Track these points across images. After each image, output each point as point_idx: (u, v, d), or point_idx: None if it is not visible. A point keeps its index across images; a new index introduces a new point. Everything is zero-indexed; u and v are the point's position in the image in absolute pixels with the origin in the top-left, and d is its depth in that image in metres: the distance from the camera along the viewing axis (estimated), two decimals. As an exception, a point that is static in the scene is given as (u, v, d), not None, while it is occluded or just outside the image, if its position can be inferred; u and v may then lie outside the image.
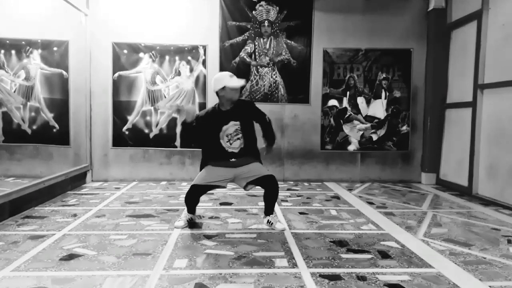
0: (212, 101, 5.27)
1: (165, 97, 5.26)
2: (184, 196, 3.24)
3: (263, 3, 5.25)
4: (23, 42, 4.61)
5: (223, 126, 3.09)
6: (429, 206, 4.14)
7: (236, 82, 3.04)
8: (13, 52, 4.56)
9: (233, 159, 3.12)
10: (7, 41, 4.56)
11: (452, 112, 5.21)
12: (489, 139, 4.42)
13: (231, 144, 3.11)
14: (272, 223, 3.20)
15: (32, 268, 2.33)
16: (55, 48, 4.78)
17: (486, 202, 4.29)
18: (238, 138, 3.11)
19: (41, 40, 4.69)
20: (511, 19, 4.10)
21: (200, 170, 3.25)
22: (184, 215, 3.29)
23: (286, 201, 4.26)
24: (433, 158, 5.44)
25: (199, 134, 3.14)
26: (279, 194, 4.51)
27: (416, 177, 5.57)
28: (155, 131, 5.29)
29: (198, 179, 3.14)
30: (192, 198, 3.21)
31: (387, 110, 5.46)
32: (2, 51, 4.53)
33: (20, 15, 4.52)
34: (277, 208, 3.89)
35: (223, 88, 3.02)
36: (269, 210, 3.24)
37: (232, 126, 3.10)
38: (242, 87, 3.19)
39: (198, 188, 3.13)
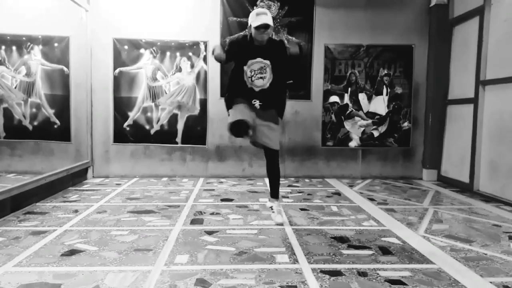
0: (213, 97, 5.28)
1: (166, 93, 5.25)
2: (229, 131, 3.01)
3: (264, -2, 5.25)
4: (24, 38, 4.60)
5: (249, 60, 3.00)
6: (430, 202, 4.14)
7: (258, 21, 2.90)
8: (14, 48, 4.56)
9: (255, 102, 3.03)
10: (8, 37, 4.56)
11: (453, 109, 5.20)
12: (491, 135, 4.41)
13: (252, 80, 3.02)
14: (273, 211, 3.20)
15: (33, 263, 2.34)
16: (56, 44, 4.78)
17: (487, 198, 4.29)
18: (262, 78, 3.02)
19: (42, 36, 4.69)
20: (513, 15, 4.09)
21: (226, 104, 3.14)
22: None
23: (287, 197, 4.26)
24: (435, 155, 5.44)
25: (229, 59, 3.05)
26: (280, 190, 4.54)
27: (417, 174, 5.57)
28: (156, 127, 5.29)
29: (233, 115, 2.98)
30: (238, 131, 2.97)
31: (388, 106, 5.45)
32: (3, 47, 4.53)
33: (20, 11, 4.52)
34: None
35: (250, 25, 2.99)
36: (273, 192, 3.23)
37: (258, 63, 3.00)
38: (267, 28, 2.93)
39: (238, 125, 2.91)
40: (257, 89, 3.02)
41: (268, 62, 3.00)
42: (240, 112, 2.96)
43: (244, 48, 3.04)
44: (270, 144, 3.07)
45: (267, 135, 3.05)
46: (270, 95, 3.06)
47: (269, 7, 5.25)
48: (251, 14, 3.00)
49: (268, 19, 2.92)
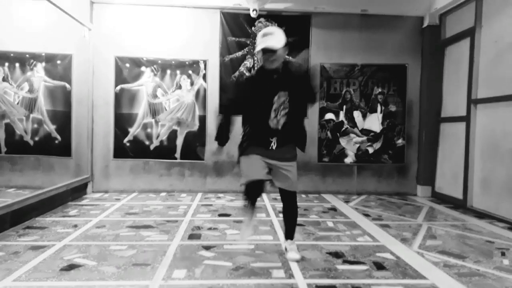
0: (211, 114, 5.36)
1: (166, 109, 5.35)
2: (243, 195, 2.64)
3: (262, 19, 5.39)
4: (27, 55, 4.71)
5: (275, 96, 2.51)
6: (424, 218, 4.19)
7: (262, 43, 2.44)
8: (17, 65, 4.66)
9: (272, 141, 2.58)
10: (12, 54, 4.66)
11: (446, 126, 5.30)
12: (483, 153, 4.49)
13: (278, 119, 2.55)
14: (287, 250, 2.83)
15: (33, 278, 2.36)
16: (58, 62, 4.88)
17: (481, 215, 4.35)
18: (286, 114, 2.55)
19: (45, 53, 4.80)
20: (503, 36, 4.22)
21: (240, 153, 2.69)
22: (246, 220, 2.69)
23: (284, 213, 4.30)
24: (428, 171, 5.52)
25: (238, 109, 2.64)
26: (277, 205, 4.60)
27: (412, 190, 5.64)
28: (155, 143, 5.37)
29: (245, 175, 2.59)
30: (253, 193, 2.59)
31: (382, 123, 5.56)
32: (6, 64, 4.63)
33: (24, 29, 4.63)
34: (274, 219, 3.94)
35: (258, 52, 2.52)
36: (288, 233, 2.86)
37: (280, 97, 2.53)
38: (273, 52, 2.45)
39: (253, 186, 2.54)
40: (280, 127, 2.57)
41: (287, 93, 2.53)
42: (252, 168, 2.57)
43: (260, 83, 2.56)
44: (288, 187, 2.69)
45: (284, 178, 2.66)
46: (289, 130, 2.61)
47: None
48: (258, 35, 2.54)
49: (273, 41, 2.43)
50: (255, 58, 5.41)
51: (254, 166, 2.57)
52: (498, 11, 4.32)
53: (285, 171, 2.64)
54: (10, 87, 4.65)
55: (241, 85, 2.67)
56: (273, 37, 2.45)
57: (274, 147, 2.60)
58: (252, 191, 2.56)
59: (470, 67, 4.72)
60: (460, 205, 4.78)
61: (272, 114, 2.54)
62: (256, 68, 2.60)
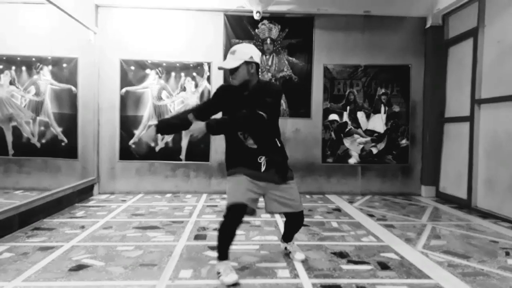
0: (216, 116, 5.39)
1: (171, 111, 5.39)
2: (218, 231, 2.42)
3: (265, 21, 5.43)
4: (33, 59, 4.77)
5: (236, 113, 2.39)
6: (429, 218, 4.20)
7: (223, 63, 2.46)
8: (23, 68, 4.72)
9: (262, 161, 2.45)
10: (18, 58, 4.72)
11: (450, 126, 5.31)
12: (487, 153, 4.50)
13: (245, 137, 2.46)
14: (290, 252, 2.84)
15: (42, 278, 2.41)
16: (64, 65, 4.94)
17: (485, 214, 4.35)
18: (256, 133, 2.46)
19: (51, 57, 4.86)
20: (506, 36, 4.23)
21: (228, 172, 2.54)
22: (224, 266, 2.41)
23: (288, 213, 4.32)
24: (433, 171, 5.52)
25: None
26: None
27: (416, 190, 5.65)
28: (160, 144, 5.41)
29: (233, 196, 2.42)
30: (232, 228, 2.39)
31: (386, 124, 5.57)
32: (13, 68, 4.69)
33: (31, 33, 4.69)
34: (279, 220, 3.96)
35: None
36: (289, 237, 2.87)
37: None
38: (231, 73, 2.43)
39: (237, 210, 2.38)
40: (255, 146, 2.46)
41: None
42: (239, 189, 2.42)
43: (233, 97, 2.49)
44: (292, 209, 2.57)
45: (285, 201, 2.54)
46: (267, 145, 2.48)
47: (270, 30, 5.45)
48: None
49: (229, 60, 2.40)
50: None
51: (242, 188, 2.42)
52: (501, 11, 4.33)
53: (281, 191, 2.52)
54: (17, 90, 4.71)
55: (218, 93, 2.54)
56: (232, 56, 2.40)
57: (263, 169, 2.46)
58: (235, 216, 2.38)
59: (473, 67, 4.73)
60: (465, 205, 4.78)
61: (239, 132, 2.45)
62: (228, 86, 2.55)
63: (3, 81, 4.67)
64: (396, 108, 5.57)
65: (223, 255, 2.44)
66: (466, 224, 3.96)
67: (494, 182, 4.35)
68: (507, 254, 3.00)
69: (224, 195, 5.33)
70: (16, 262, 2.67)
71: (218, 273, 2.40)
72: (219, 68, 2.49)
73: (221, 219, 2.41)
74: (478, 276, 2.54)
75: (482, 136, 4.59)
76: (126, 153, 5.38)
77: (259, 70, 2.63)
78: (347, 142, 5.58)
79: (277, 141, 2.54)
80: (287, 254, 2.89)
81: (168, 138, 5.41)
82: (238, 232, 2.50)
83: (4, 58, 4.69)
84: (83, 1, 4.98)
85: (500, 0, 4.36)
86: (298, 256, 2.78)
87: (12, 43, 4.72)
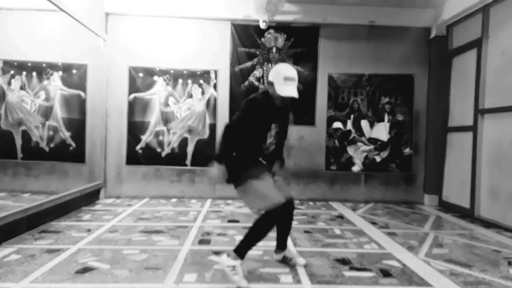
0: (221, 122, 5.45)
1: (177, 118, 5.46)
2: (254, 227, 2.52)
3: (271, 31, 5.51)
4: (44, 65, 4.86)
5: (273, 124, 2.60)
6: (431, 227, 4.21)
7: (287, 91, 2.50)
8: (34, 74, 4.81)
9: (260, 160, 2.64)
10: (29, 64, 4.82)
11: (453, 136, 5.32)
12: (490, 163, 4.50)
13: (269, 147, 2.66)
14: (291, 259, 2.82)
15: (49, 280, 2.44)
16: (74, 71, 5.02)
17: (488, 224, 4.35)
18: (274, 141, 2.69)
19: (62, 63, 4.94)
20: (510, 47, 4.26)
21: (237, 181, 2.57)
22: (239, 267, 2.49)
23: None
24: (436, 180, 5.53)
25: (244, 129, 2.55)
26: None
27: (419, 199, 5.65)
28: (167, 150, 5.47)
29: (270, 195, 2.46)
30: (271, 227, 2.52)
31: (390, 133, 5.61)
32: (24, 73, 4.78)
33: (42, 40, 4.79)
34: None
35: (271, 84, 2.58)
36: (284, 244, 2.85)
37: (275, 127, 2.65)
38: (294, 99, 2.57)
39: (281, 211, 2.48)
40: (268, 151, 2.67)
41: (277, 124, 2.66)
42: (273, 187, 2.54)
43: (266, 111, 2.57)
44: (289, 194, 2.70)
45: (283, 187, 2.70)
46: (274, 154, 2.74)
47: (275, 39, 5.52)
48: (276, 71, 2.57)
49: (295, 89, 2.53)
50: (264, 68, 5.52)
51: (274, 188, 2.51)
52: (505, 22, 4.36)
53: (279, 182, 2.70)
54: (27, 95, 4.79)
55: (252, 107, 2.55)
56: (294, 83, 2.54)
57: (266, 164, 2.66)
58: (274, 219, 2.49)
59: (477, 78, 4.75)
60: (467, 214, 4.79)
61: (268, 140, 2.60)
62: (262, 96, 2.62)
63: (13, 86, 4.76)
64: (400, 117, 5.60)
65: (244, 253, 2.52)
66: (468, 233, 3.96)
67: (497, 191, 4.36)
68: (510, 263, 3.01)
69: (229, 201, 5.37)
70: (24, 264, 2.71)
71: (233, 269, 2.44)
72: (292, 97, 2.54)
73: (263, 220, 2.48)
74: (480, 285, 2.55)
75: (486, 145, 4.60)
76: (132, 158, 5.44)
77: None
78: (350, 150, 5.61)
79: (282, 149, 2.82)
80: (285, 263, 2.84)
81: (175, 143, 5.47)
82: (241, 237, 2.59)
83: (16, 63, 4.78)
84: (93, 9, 5.08)
85: (504, 11, 4.40)
86: (300, 260, 2.81)
87: (23, 49, 4.81)
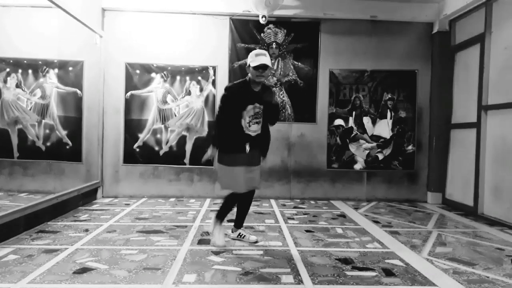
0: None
1: (175, 115, 5.40)
2: (224, 203, 3.17)
3: (271, 26, 5.44)
4: (40, 62, 4.79)
5: (248, 106, 2.99)
6: (434, 225, 4.16)
7: (257, 61, 2.91)
8: (30, 71, 4.74)
9: (247, 147, 3.02)
10: (25, 61, 4.75)
11: (457, 133, 5.27)
12: (494, 160, 4.46)
13: (249, 126, 3.02)
14: (244, 235, 3.34)
15: (47, 280, 2.41)
16: (70, 68, 4.96)
17: (492, 222, 4.31)
18: (257, 122, 3.06)
19: (57, 60, 4.88)
20: (513, 43, 4.20)
21: (219, 158, 3.08)
22: (218, 229, 3.15)
23: (293, 219, 4.31)
24: (439, 178, 5.48)
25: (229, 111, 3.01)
26: (285, 211, 4.62)
27: (422, 197, 5.60)
28: (165, 148, 5.42)
29: (234, 184, 3.02)
30: (234, 204, 3.22)
31: (392, 130, 5.55)
32: (20, 71, 4.71)
33: (37, 36, 4.72)
34: (283, 225, 3.95)
35: (248, 65, 2.98)
36: (241, 222, 3.38)
37: (255, 108, 3.02)
38: (265, 68, 2.94)
39: (238, 195, 3.09)
40: (253, 134, 3.05)
41: (261, 106, 3.06)
42: (240, 178, 2.99)
43: (243, 93, 3.01)
44: (255, 186, 3.17)
45: (253, 179, 3.11)
46: (260, 138, 3.13)
47: (275, 34, 5.46)
48: (250, 54, 3.01)
49: (267, 60, 2.94)
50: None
51: (240, 179, 2.99)
52: (508, 17, 4.31)
53: (253, 172, 3.10)
54: (23, 93, 4.73)
55: (227, 93, 3.03)
56: (266, 57, 2.95)
57: (247, 151, 3.03)
58: (237, 199, 3.13)
59: (480, 73, 4.70)
60: (471, 212, 4.74)
61: (247, 120, 3.00)
62: (238, 82, 3.11)
63: (9, 84, 4.70)
64: (403, 114, 5.54)
65: (223, 216, 3.17)
66: (472, 231, 3.93)
67: (501, 189, 4.31)
68: (514, 262, 2.97)
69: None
70: (21, 264, 2.68)
71: (211, 233, 3.11)
72: (263, 65, 2.92)
73: (227, 201, 3.16)
74: (483, 283, 2.52)
75: (489, 142, 4.55)
76: (130, 157, 5.39)
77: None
78: (352, 148, 5.55)
79: (268, 131, 3.26)
80: (239, 240, 3.35)
81: (173, 141, 5.41)
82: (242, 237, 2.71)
83: (11, 61, 4.72)
84: (90, 5, 5.02)
85: (507, 6, 4.35)
86: (252, 238, 3.32)
87: (19, 46, 4.75)
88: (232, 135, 3.02)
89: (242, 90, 3.02)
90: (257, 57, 2.94)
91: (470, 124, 4.87)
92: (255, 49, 5.49)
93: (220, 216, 3.17)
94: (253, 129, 3.04)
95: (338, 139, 5.55)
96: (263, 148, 3.22)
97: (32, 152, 4.78)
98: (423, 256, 3.05)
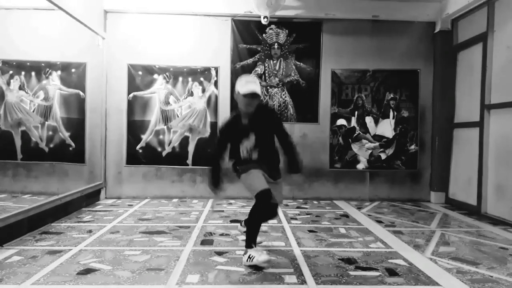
0: (223, 120, 5.39)
1: (178, 116, 5.41)
2: (250, 219, 2.85)
3: (273, 26, 5.44)
4: (43, 64, 4.81)
5: (243, 139, 2.89)
6: (438, 225, 4.15)
7: (246, 88, 2.71)
8: (33, 73, 4.76)
9: (252, 155, 2.93)
10: (28, 63, 4.77)
11: (459, 132, 5.26)
12: (497, 159, 4.44)
13: (250, 157, 2.93)
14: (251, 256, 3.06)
15: (51, 281, 2.42)
16: (73, 70, 4.98)
17: (495, 221, 4.29)
18: (256, 150, 2.92)
19: (60, 62, 4.90)
20: (515, 41, 4.19)
21: (237, 175, 3.00)
22: (254, 251, 2.72)
23: (296, 219, 4.31)
24: (442, 177, 5.46)
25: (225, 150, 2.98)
26: (288, 212, 4.62)
27: (425, 196, 5.59)
28: (167, 149, 5.43)
29: (254, 183, 2.81)
30: (263, 215, 2.90)
31: (395, 129, 5.54)
32: (23, 73, 4.73)
33: (40, 39, 4.74)
34: (286, 226, 3.95)
35: (238, 92, 2.78)
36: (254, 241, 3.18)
37: (251, 140, 2.89)
38: (255, 97, 2.75)
39: (265, 195, 2.74)
40: (255, 158, 2.92)
41: (254, 133, 2.87)
42: (260, 178, 2.83)
43: (235, 128, 2.90)
44: (279, 200, 3.00)
45: (277, 192, 2.97)
46: (264, 157, 2.95)
47: (277, 34, 5.46)
48: (239, 80, 2.83)
49: (257, 87, 2.73)
50: (266, 65, 5.46)
51: (260, 179, 2.83)
52: (511, 16, 4.29)
53: (276, 185, 2.98)
54: (26, 95, 4.75)
55: (222, 130, 3.01)
56: (255, 85, 2.76)
57: (254, 158, 2.92)
58: (265, 201, 2.76)
59: (483, 72, 4.69)
60: (474, 211, 4.72)
61: (244, 152, 2.90)
62: (230, 118, 3.00)
63: (12, 86, 4.72)
64: (405, 113, 5.53)
65: (253, 242, 2.80)
66: (475, 230, 3.91)
67: (504, 188, 4.30)
68: (518, 261, 2.95)
69: (231, 201, 5.33)
70: (25, 266, 2.68)
71: (249, 258, 2.67)
72: (254, 93, 2.72)
73: (253, 208, 2.80)
74: (487, 283, 2.51)
75: (492, 141, 4.54)
76: (133, 158, 5.40)
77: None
78: (355, 148, 5.54)
79: (274, 154, 3.07)
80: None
81: (175, 142, 5.43)
82: (244, 237, 2.73)
83: (14, 63, 4.74)
84: (92, 6, 5.03)
85: (509, 5, 4.33)
86: (261, 256, 2.96)
87: (22, 48, 4.77)
88: (236, 161, 2.97)
89: (232, 127, 2.92)
90: (246, 84, 2.75)
91: (473, 124, 4.85)
92: (257, 49, 5.58)
93: (250, 242, 2.80)
94: (254, 157, 2.92)
95: (341, 139, 5.54)
96: (274, 166, 3.01)
97: (35, 153, 4.79)
98: (427, 256, 3.05)
